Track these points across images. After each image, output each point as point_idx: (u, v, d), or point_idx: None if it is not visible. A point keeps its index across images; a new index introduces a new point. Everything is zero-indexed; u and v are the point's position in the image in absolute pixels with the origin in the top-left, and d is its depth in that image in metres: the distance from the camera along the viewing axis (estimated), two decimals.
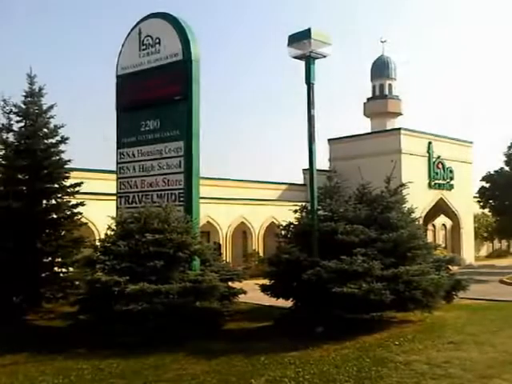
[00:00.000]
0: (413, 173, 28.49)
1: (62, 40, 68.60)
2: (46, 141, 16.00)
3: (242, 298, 13.83)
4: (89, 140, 56.93)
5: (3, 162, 15.68)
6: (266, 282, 13.21)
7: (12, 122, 15.94)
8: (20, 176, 15.71)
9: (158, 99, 13.87)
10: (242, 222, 29.23)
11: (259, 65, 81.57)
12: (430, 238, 32.23)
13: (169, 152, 13.54)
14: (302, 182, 33.42)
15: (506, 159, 31.83)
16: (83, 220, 17.09)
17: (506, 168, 31.75)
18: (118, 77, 14.92)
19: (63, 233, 15.87)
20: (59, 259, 15.69)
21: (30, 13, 64.00)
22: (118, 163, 14.65)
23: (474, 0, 79.10)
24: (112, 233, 12.50)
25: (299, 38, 12.42)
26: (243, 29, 78.92)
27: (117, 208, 14.32)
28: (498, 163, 32.49)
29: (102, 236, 13.39)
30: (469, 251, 36.51)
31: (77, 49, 69.85)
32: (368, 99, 40.66)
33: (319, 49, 12.49)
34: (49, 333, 12.60)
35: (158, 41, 14.02)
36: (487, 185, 32.40)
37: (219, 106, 68.52)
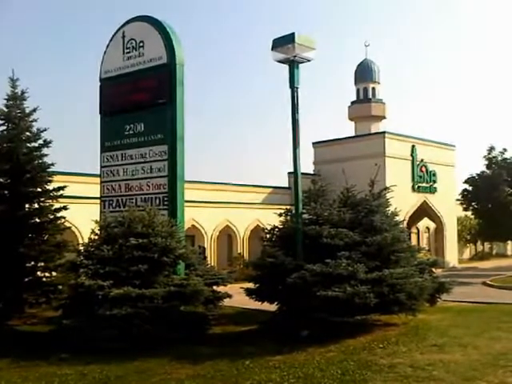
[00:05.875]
0: (396, 176, 28.67)
1: (45, 42, 68.16)
2: (28, 144, 15.82)
3: (227, 301, 13.82)
4: (72, 143, 56.57)
5: None
6: (251, 285, 13.20)
7: None
8: (2, 180, 15.51)
9: (141, 103, 13.81)
10: (227, 226, 29.20)
11: (245, 67, 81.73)
12: (413, 241, 32.51)
13: (153, 156, 13.48)
14: (286, 185, 33.49)
15: (486, 163, 32.23)
16: (66, 224, 16.94)
17: (488, 171, 32.13)
18: (101, 80, 14.84)
19: (46, 237, 15.68)
20: (42, 263, 15.51)
21: (15, 14, 63.45)
22: (101, 167, 14.55)
23: (458, 3, 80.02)
24: (96, 237, 12.41)
25: (283, 43, 12.42)
26: (228, 30, 79.05)
27: (100, 212, 14.23)
28: (480, 166, 32.93)
29: (86, 240, 13.27)
30: (452, 254, 36.81)
31: (61, 51, 69.40)
32: (352, 103, 40.89)
33: (303, 53, 12.51)
34: (32, 338, 12.45)
35: (141, 44, 13.96)
36: (470, 188, 32.74)
37: (205, 109, 68.49)
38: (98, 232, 12.49)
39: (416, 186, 34.51)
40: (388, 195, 13.96)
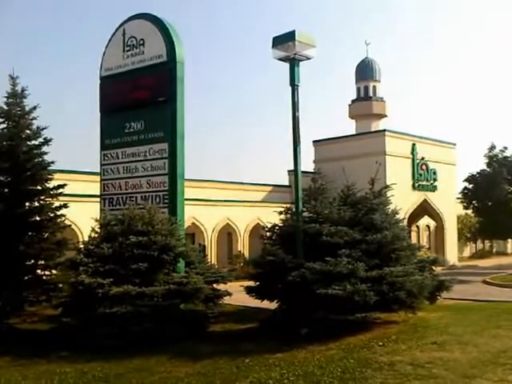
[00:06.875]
0: (397, 174, 28.69)
1: (45, 40, 68.13)
2: (28, 142, 15.80)
3: (227, 299, 13.83)
4: (73, 141, 56.58)
5: None
6: (251, 283, 13.19)
7: None
8: (2, 178, 15.50)
9: (142, 100, 13.81)
10: (228, 224, 29.22)
11: (245, 64, 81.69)
12: (413, 239, 32.54)
13: (153, 154, 13.48)
14: (287, 183, 33.50)
15: (487, 161, 32.24)
16: (67, 222, 16.93)
17: (488, 169, 32.15)
18: (101, 78, 14.84)
19: (46, 235, 15.67)
20: (42, 262, 15.51)
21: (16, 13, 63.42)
22: (101, 165, 14.56)
23: (459, 3, 79.94)
24: (96, 235, 12.41)
25: (283, 40, 12.38)
26: (229, 28, 78.99)
27: (100, 210, 14.23)
28: (481, 164, 32.98)
29: (86, 238, 13.28)
30: (452, 252, 36.81)
31: (61, 49, 69.37)
32: (352, 101, 40.87)
33: (304, 51, 12.46)
34: (32, 336, 12.47)
35: (142, 42, 13.96)
36: (470, 186, 32.75)
37: (204, 107, 68.49)
38: (98, 230, 12.50)
39: (416, 184, 34.51)
40: (388, 193, 13.93)
